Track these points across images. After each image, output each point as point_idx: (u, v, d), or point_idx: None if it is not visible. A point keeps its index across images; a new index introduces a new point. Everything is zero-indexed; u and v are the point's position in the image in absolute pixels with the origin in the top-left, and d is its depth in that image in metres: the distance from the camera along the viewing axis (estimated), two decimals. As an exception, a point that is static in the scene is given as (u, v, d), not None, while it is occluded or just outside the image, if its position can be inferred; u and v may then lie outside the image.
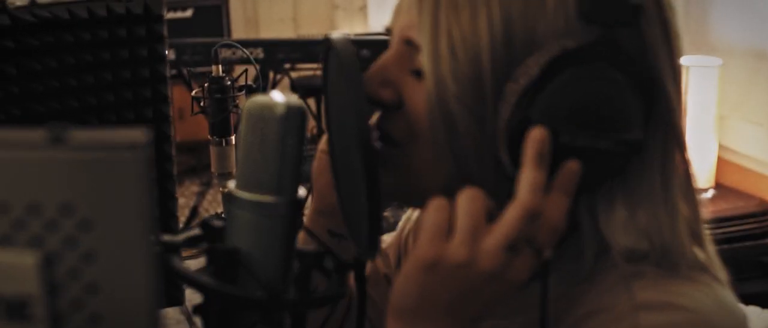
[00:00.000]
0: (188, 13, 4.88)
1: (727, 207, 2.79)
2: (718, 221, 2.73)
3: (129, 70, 1.02)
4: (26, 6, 0.94)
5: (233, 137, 2.02)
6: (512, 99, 0.71)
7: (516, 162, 0.72)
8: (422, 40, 0.76)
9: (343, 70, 0.74)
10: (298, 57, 3.91)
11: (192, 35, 4.67)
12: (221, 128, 1.29)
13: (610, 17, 0.71)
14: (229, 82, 1.40)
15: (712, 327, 0.73)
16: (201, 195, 3.76)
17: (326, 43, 0.80)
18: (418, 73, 0.78)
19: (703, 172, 2.87)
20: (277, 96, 0.79)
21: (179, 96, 4.47)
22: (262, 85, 3.59)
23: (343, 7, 5.20)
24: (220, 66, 1.32)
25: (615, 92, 0.71)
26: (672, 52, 0.77)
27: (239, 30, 5.30)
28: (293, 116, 0.77)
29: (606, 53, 0.71)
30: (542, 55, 0.71)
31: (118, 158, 0.47)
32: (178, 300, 1.00)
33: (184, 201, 4.41)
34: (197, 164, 5.23)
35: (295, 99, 0.79)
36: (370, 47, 3.21)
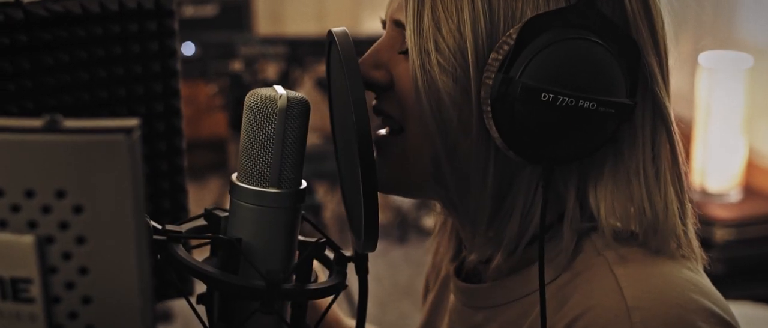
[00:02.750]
0: (213, 9, 4.92)
1: (755, 209, 2.78)
2: (745, 224, 2.71)
3: (140, 64, 1.04)
4: (40, 1, 0.96)
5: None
6: (495, 66, 0.73)
7: (501, 130, 0.74)
8: (406, 17, 0.78)
9: (341, 63, 0.76)
10: (322, 53, 3.94)
11: (217, 31, 4.71)
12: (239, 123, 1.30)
13: None
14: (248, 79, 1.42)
15: (701, 312, 0.74)
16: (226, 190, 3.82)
17: (328, 37, 0.82)
18: (406, 53, 0.80)
19: (730, 174, 2.86)
20: (279, 89, 0.80)
21: (206, 93, 4.50)
22: (284, 80, 3.61)
23: (367, 3, 5.22)
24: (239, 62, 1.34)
25: (596, 53, 0.73)
26: (653, 28, 0.78)
27: (264, 26, 5.33)
28: (294, 109, 0.79)
29: (584, 17, 0.73)
30: (522, 23, 0.73)
31: (109, 141, 0.48)
32: (188, 290, 1.02)
33: (211, 197, 4.45)
34: (222, 160, 5.27)
35: (296, 93, 0.81)
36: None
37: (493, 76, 0.73)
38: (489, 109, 0.74)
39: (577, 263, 0.80)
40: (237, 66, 2.41)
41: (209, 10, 4.89)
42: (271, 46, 3.85)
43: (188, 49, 4.19)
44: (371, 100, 0.86)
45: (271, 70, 4.57)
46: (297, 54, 3.60)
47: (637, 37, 0.77)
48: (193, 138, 4.92)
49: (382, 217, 4.79)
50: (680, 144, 0.81)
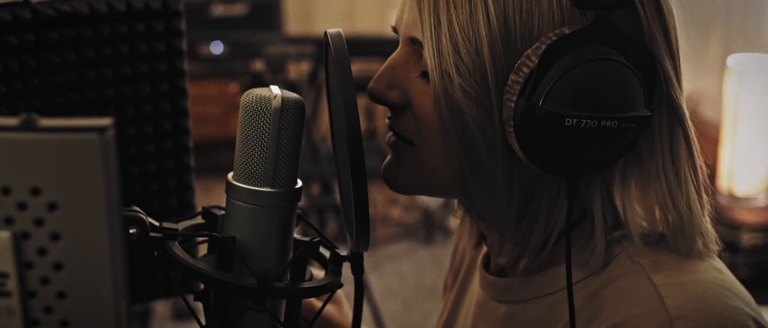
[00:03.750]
0: (243, 8, 4.95)
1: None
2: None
3: (147, 64, 1.05)
4: (48, 1, 0.98)
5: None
6: (515, 89, 0.74)
7: (525, 150, 0.74)
8: (424, 37, 0.79)
9: (335, 65, 0.77)
10: (350, 53, 3.96)
11: (247, 31, 4.74)
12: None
13: (604, 1, 0.72)
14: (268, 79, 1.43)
15: (741, 320, 0.75)
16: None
17: (324, 38, 0.83)
18: (425, 75, 0.81)
19: (758, 177, 2.82)
20: (275, 89, 0.81)
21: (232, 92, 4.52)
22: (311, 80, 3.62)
23: (396, 3, 5.22)
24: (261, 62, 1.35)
25: (615, 72, 0.73)
26: (666, 30, 0.79)
27: (294, 25, 5.35)
28: (288, 109, 0.80)
29: (602, 35, 0.73)
30: (541, 45, 0.73)
31: (83, 140, 0.49)
32: (191, 288, 1.04)
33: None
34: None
35: (291, 93, 0.82)
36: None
37: (514, 99, 0.74)
38: (512, 130, 0.74)
39: (610, 269, 0.81)
40: (258, 65, 2.43)
41: (239, 9, 4.92)
42: (298, 45, 3.87)
43: (217, 47, 4.22)
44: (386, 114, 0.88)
45: (299, 70, 4.58)
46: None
47: (651, 43, 0.77)
48: (222, 137, 4.95)
49: (409, 217, 4.80)
50: (695, 139, 0.82)
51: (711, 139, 3.11)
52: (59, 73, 0.99)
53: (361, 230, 0.76)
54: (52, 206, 0.51)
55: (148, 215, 0.87)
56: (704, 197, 0.82)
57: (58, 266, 0.52)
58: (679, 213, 0.79)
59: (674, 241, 0.79)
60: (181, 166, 1.10)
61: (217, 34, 4.39)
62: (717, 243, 0.83)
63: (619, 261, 0.80)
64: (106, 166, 0.50)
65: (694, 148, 0.81)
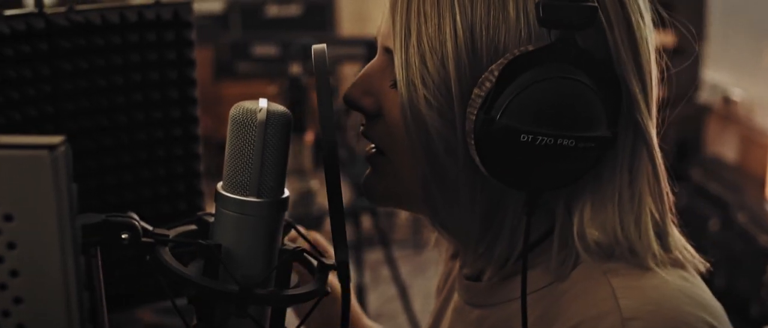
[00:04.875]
0: (298, 9, 5.01)
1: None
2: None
3: (157, 72, 1.09)
4: (63, 11, 1.02)
5: (307, 135, 2.06)
6: (477, 103, 0.75)
7: (485, 163, 0.76)
8: (395, 47, 0.81)
9: (315, 81, 0.79)
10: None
11: (300, 31, 4.79)
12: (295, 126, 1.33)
13: (567, 20, 0.73)
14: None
15: (691, 323, 0.75)
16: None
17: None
18: (396, 84, 0.83)
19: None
20: (262, 102, 0.84)
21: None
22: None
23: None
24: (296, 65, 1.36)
25: (574, 91, 0.74)
26: (638, 55, 0.79)
27: (348, 27, 5.39)
28: (273, 122, 0.83)
29: (565, 54, 0.74)
30: (504, 60, 0.74)
31: (34, 157, 0.53)
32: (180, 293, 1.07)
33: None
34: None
35: (278, 106, 0.84)
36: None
37: (475, 112, 0.75)
38: (473, 142, 0.76)
39: (575, 274, 0.82)
40: (295, 69, 2.47)
41: (294, 10, 4.98)
42: (349, 47, 3.89)
43: (270, 48, 4.28)
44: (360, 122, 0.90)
45: (353, 71, 4.62)
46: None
47: (618, 65, 0.78)
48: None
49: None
50: (661, 165, 0.82)
51: (762, 148, 3.06)
52: (71, 80, 1.03)
53: (338, 240, 0.79)
54: (7, 217, 0.54)
55: (157, 217, 0.91)
56: (668, 220, 0.82)
57: (13, 273, 0.55)
58: (626, 235, 0.79)
59: (624, 257, 0.79)
60: (190, 171, 1.14)
61: (270, 34, 4.45)
62: (700, 263, 0.84)
63: (584, 267, 0.81)
64: (56, 181, 0.53)
65: (659, 174, 0.81)
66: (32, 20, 1.00)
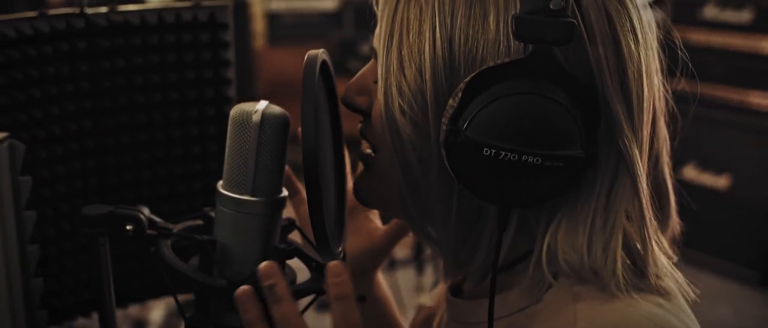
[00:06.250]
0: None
1: None
2: None
3: (193, 71, 1.13)
4: (104, 12, 1.08)
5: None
6: (449, 113, 0.74)
7: (457, 174, 0.75)
8: (378, 51, 0.82)
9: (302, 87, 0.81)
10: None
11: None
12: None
13: (542, 35, 0.71)
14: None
15: None
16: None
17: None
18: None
19: None
20: (260, 104, 0.86)
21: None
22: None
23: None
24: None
25: (545, 108, 0.72)
26: (624, 76, 0.76)
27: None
28: (269, 124, 0.85)
29: (540, 69, 0.72)
30: (477, 71, 0.74)
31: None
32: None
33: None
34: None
35: (276, 108, 0.87)
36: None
37: (447, 125, 0.74)
38: (445, 152, 0.75)
39: (548, 294, 0.80)
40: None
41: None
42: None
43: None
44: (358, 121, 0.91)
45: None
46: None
47: (600, 83, 0.75)
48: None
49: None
50: (645, 191, 0.78)
51: None
52: (109, 77, 1.08)
53: (319, 242, 0.80)
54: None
55: (190, 212, 0.95)
56: (651, 247, 0.79)
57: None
58: (593, 259, 0.76)
59: (590, 280, 0.77)
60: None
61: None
62: (687, 291, 0.81)
63: (557, 289, 0.79)
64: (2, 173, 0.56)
65: (643, 200, 0.77)
66: (73, 20, 1.05)
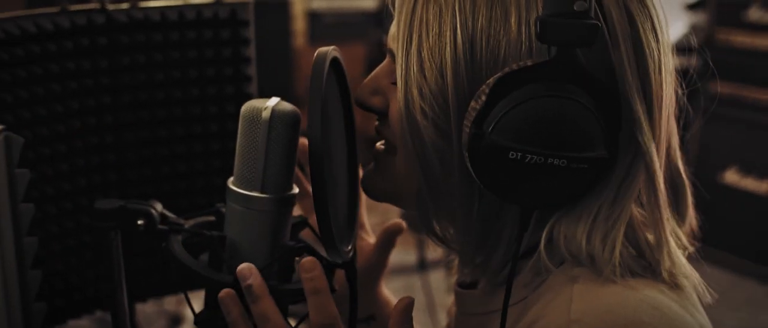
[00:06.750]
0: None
1: None
2: None
3: (213, 68, 1.13)
4: (125, 9, 1.08)
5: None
6: (472, 115, 0.74)
7: (480, 177, 0.75)
8: (397, 52, 0.81)
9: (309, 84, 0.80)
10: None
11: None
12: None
13: (567, 37, 0.71)
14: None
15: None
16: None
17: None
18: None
19: None
20: (271, 101, 0.86)
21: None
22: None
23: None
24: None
25: (570, 110, 0.71)
26: (645, 73, 0.76)
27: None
28: (278, 121, 0.85)
29: (564, 71, 0.72)
30: (501, 74, 0.73)
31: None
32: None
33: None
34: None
35: (286, 104, 0.86)
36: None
37: (470, 125, 0.74)
38: (467, 154, 0.75)
39: (550, 278, 0.80)
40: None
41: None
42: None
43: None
44: (374, 120, 0.90)
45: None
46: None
47: (623, 83, 0.74)
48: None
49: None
50: (661, 186, 0.78)
51: None
52: (129, 73, 1.09)
53: (326, 241, 0.80)
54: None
55: (210, 207, 0.95)
56: (665, 243, 0.78)
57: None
58: (591, 246, 0.76)
59: (587, 266, 0.76)
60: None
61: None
62: (702, 289, 0.80)
63: (558, 273, 0.78)
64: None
65: (659, 196, 0.77)
66: (94, 16, 1.06)
